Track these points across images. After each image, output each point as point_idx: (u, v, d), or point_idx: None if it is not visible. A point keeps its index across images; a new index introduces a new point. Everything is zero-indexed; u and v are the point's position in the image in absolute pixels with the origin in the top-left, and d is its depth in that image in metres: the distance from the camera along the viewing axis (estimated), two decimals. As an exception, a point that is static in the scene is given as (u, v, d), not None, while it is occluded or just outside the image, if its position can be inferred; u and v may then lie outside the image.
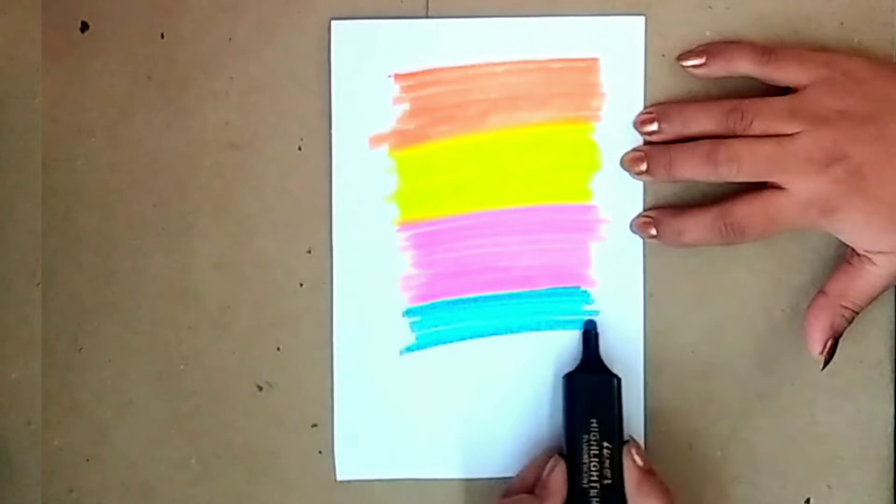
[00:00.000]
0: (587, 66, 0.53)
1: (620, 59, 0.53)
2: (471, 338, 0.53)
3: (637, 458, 0.50)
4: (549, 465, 0.51)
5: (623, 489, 0.50)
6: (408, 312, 0.54)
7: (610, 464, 0.50)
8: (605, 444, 0.51)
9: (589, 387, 0.52)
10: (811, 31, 0.53)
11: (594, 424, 0.51)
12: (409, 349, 0.53)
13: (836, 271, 0.51)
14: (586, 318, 0.53)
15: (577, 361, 0.53)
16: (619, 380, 0.52)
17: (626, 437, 0.51)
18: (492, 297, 0.54)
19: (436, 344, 0.53)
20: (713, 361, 0.54)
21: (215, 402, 0.54)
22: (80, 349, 0.54)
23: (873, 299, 0.51)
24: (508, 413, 0.53)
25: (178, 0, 0.54)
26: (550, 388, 0.53)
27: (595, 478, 0.50)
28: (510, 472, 0.53)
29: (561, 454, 0.51)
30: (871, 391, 0.54)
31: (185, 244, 0.54)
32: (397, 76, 0.53)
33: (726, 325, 0.54)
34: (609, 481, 0.50)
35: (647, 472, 0.50)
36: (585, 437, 0.51)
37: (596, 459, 0.50)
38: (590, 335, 0.53)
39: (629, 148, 0.53)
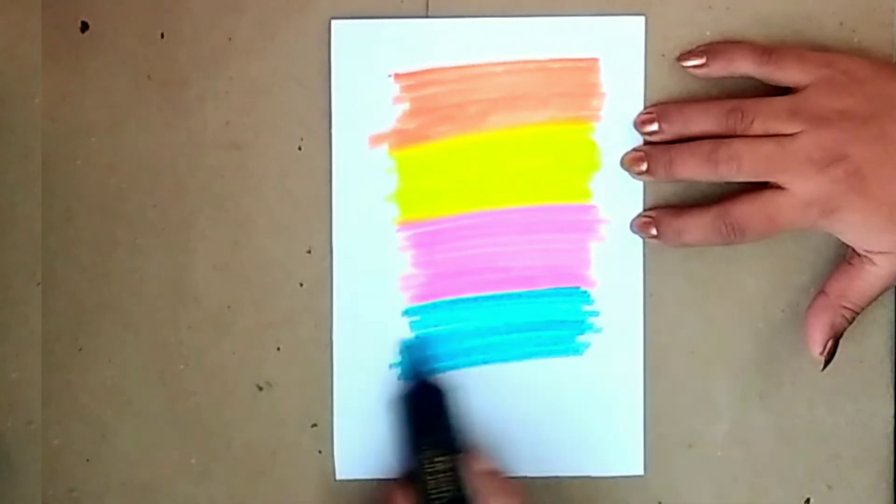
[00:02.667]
0: (587, 66, 0.53)
1: (620, 59, 0.53)
2: (470, 337, 0.53)
3: (480, 464, 0.50)
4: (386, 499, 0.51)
5: (472, 499, 0.50)
6: (407, 312, 0.54)
7: (453, 476, 0.50)
8: (442, 458, 0.50)
9: (416, 403, 0.52)
10: (811, 31, 0.53)
11: (428, 440, 0.51)
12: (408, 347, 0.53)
13: (835, 271, 0.51)
14: (587, 318, 0.53)
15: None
16: (441, 391, 0.52)
17: (468, 447, 0.51)
18: (492, 297, 0.54)
19: (435, 344, 0.53)
20: (713, 361, 0.54)
21: (215, 402, 0.54)
22: (80, 349, 0.54)
23: (873, 299, 0.51)
24: (508, 412, 0.53)
25: (178, 0, 0.54)
26: (548, 387, 0.53)
27: (443, 493, 0.50)
28: (511, 472, 0.53)
29: (406, 478, 0.51)
30: (871, 391, 0.54)
31: (185, 244, 0.54)
32: (397, 76, 0.53)
33: (726, 325, 0.54)
34: (459, 493, 0.50)
35: (492, 475, 0.50)
36: (422, 455, 0.50)
37: (440, 475, 0.50)
38: (408, 350, 0.53)
39: (629, 148, 0.53)
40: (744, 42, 0.53)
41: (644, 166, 0.52)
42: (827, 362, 0.52)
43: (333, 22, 0.53)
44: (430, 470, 0.50)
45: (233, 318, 0.54)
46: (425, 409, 0.52)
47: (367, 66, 0.53)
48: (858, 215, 0.49)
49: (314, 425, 0.54)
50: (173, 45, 0.54)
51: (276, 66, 0.54)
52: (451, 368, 0.54)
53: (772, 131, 0.50)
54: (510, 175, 0.54)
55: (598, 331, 0.54)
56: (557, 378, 0.53)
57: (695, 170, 0.51)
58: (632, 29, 0.53)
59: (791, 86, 0.51)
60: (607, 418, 0.53)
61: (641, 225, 0.53)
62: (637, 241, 0.53)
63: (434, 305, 0.54)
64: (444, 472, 0.50)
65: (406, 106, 0.53)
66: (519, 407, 0.53)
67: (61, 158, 0.54)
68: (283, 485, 0.54)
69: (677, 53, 0.53)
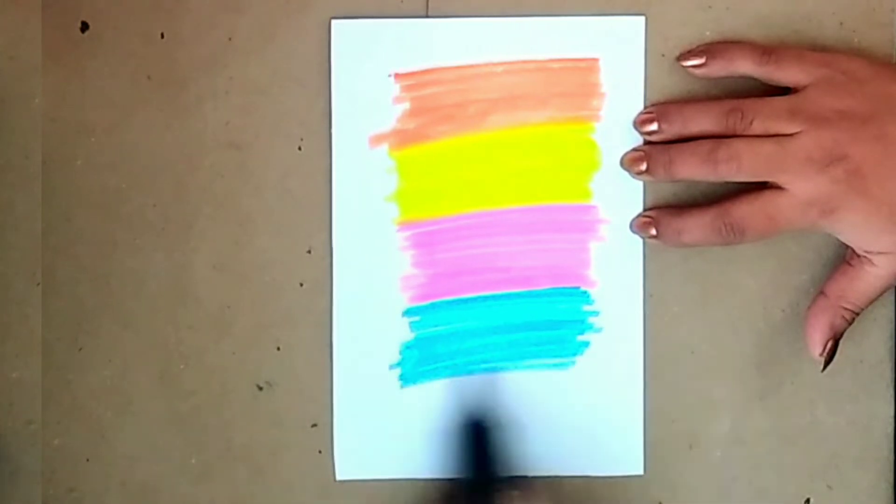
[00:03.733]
0: (587, 66, 0.53)
1: (620, 59, 0.53)
2: (470, 337, 0.53)
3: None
4: None
5: None
6: (407, 312, 0.54)
7: None
8: (499, 493, 0.51)
9: (475, 442, 0.52)
10: (811, 31, 0.53)
11: (486, 478, 0.51)
12: (408, 347, 0.53)
13: (835, 272, 0.51)
14: (587, 318, 0.53)
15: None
16: (495, 430, 0.52)
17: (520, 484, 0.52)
18: (492, 297, 0.54)
19: (435, 344, 0.53)
20: (713, 361, 0.54)
21: (215, 402, 0.54)
22: (80, 349, 0.54)
23: (873, 300, 0.51)
24: (507, 412, 0.53)
25: (178, 0, 0.54)
26: (548, 387, 0.53)
27: None
28: (510, 472, 0.53)
29: None
30: (871, 391, 0.54)
31: (185, 244, 0.54)
32: (397, 76, 0.53)
33: (726, 325, 0.54)
34: None
35: None
36: (484, 492, 0.51)
37: None
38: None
39: (629, 148, 0.53)
40: (744, 42, 0.53)
41: (644, 166, 0.52)
42: (827, 363, 0.52)
43: (333, 22, 0.53)
44: None
45: (233, 318, 0.54)
46: (483, 447, 0.52)
47: (367, 66, 0.53)
48: (858, 215, 0.49)
49: (314, 425, 0.54)
50: (173, 45, 0.54)
51: (276, 66, 0.54)
52: (451, 368, 0.54)
53: (772, 131, 0.50)
54: (510, 175, 0.54)
55: (598, 331, 0.54)
56: (557, 378, 0.53)
57: (694, 170, 0.51)
58: (632, 29, 0.53)
59: (791, 86, 0.51)
60: (607, 418, 0.53)
61: (641, 225, 0.53)
62: (637, 241, 0.53)
63: (434, 305, 0.54)
64: None
65: (406, 106, 0.53)
66: (518, 407, 0.53)
67: (61, 158, 0.54)
68: (283, 485, 0.54)
69: (677, 53, 0.53)
